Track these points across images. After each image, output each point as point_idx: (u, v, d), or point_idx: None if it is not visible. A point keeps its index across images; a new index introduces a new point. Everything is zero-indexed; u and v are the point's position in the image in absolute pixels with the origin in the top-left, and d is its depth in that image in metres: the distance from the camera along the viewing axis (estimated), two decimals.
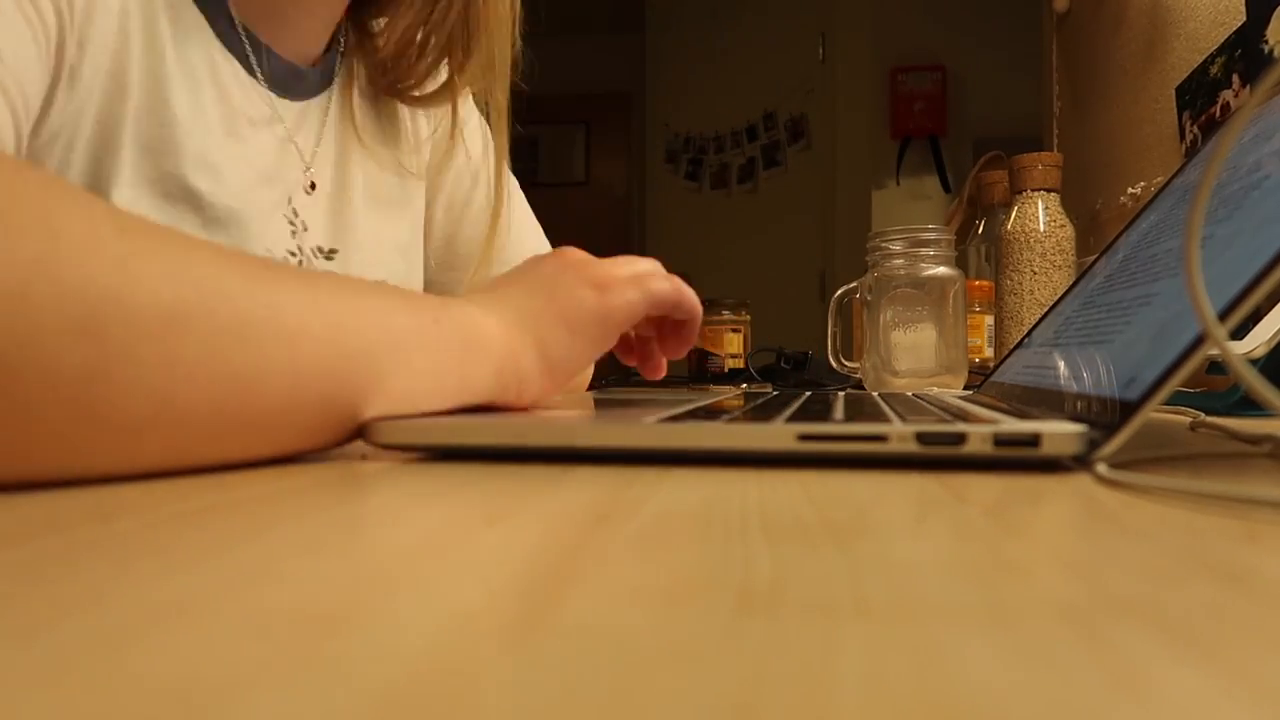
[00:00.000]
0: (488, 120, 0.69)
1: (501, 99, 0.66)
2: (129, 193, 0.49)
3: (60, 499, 0.23)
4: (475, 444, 0.31)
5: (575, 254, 0.44)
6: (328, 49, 0.63)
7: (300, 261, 0.59)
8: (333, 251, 0.62)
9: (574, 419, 0.32)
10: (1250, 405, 0.58)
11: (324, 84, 0.63)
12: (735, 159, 3.89)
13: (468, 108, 0.73)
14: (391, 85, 0.66)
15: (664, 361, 0.54)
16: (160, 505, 0.22)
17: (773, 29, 3.73)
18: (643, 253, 0.48)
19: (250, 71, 0.56)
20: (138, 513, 0.21)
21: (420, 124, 0.72)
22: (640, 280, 0.43)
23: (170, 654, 0.11)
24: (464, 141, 0.73)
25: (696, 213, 3.94)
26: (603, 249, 0.45)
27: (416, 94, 0.67)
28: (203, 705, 0.09)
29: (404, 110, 0.70)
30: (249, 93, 0.56)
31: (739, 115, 3.86)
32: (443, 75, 0.67)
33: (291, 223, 0.59)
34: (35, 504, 0.22)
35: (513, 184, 0.76)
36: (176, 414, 0.26)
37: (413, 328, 0.33)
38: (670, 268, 0.47)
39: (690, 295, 0.47)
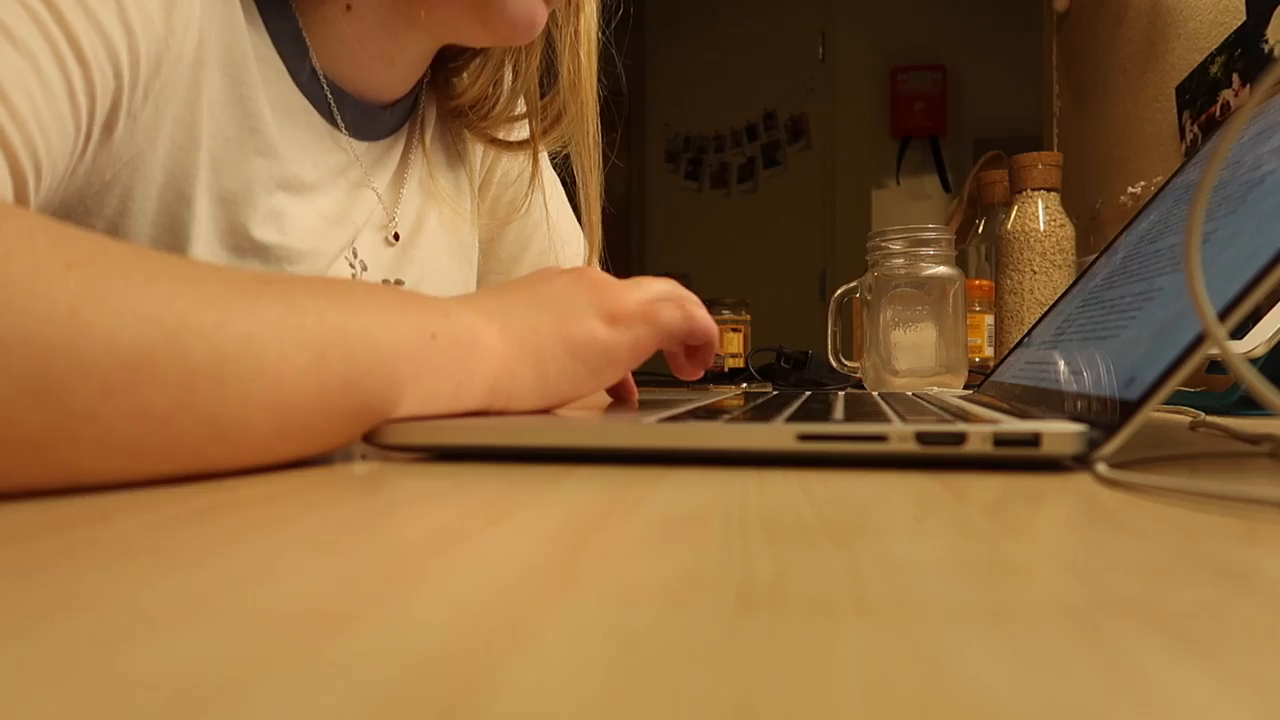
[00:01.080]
0: (573, 171, 0.68)
1: (585, 156, 0.65)
2: (205, 248, 0.49)
3: (60, 499, 0.23)
4: (476, 444, 0.31)
5: (591, 275, 0.42)
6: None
7: None
8: (399, 283, 0.62)
9: (574, 419, 0.32)
10: (1250, 405, 0.58)
11: (400, 122, 0.63)
12: (735, 159, 3.89)
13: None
14: (471, 124, 0.66)
15: (635, 394, 0.53)
16: (160, 505, 0.22)
17: (773, 29, 3.73)
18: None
19: (330, 119, 0.56)
20: (138, 513, 0.21)
21: (476, 162, 0.72)
22: (652, 313, 0.41)
23: (170, 654, 0.11)
24: (542, 190, 0.73)
25: (696, 213, 3.93)
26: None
27: (498, 137, 0.67)
28: (203, 705, 0.09)
29: (468, 148, 0.70)
30: (326, 142, 0.56)
31: (739, 115, 3.86)
32: (524, 125, 0.67)
33: (351, 264, 0.59)
34: (35, 504, 0.22)
35: (573, 226, 0.76)
36: (153, 463, 0.24)
37: (408, 346, 0.31)
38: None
39: (703, 321, 0.45)
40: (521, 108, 0.68)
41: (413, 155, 0.64)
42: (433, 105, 0.66)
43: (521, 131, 0.68)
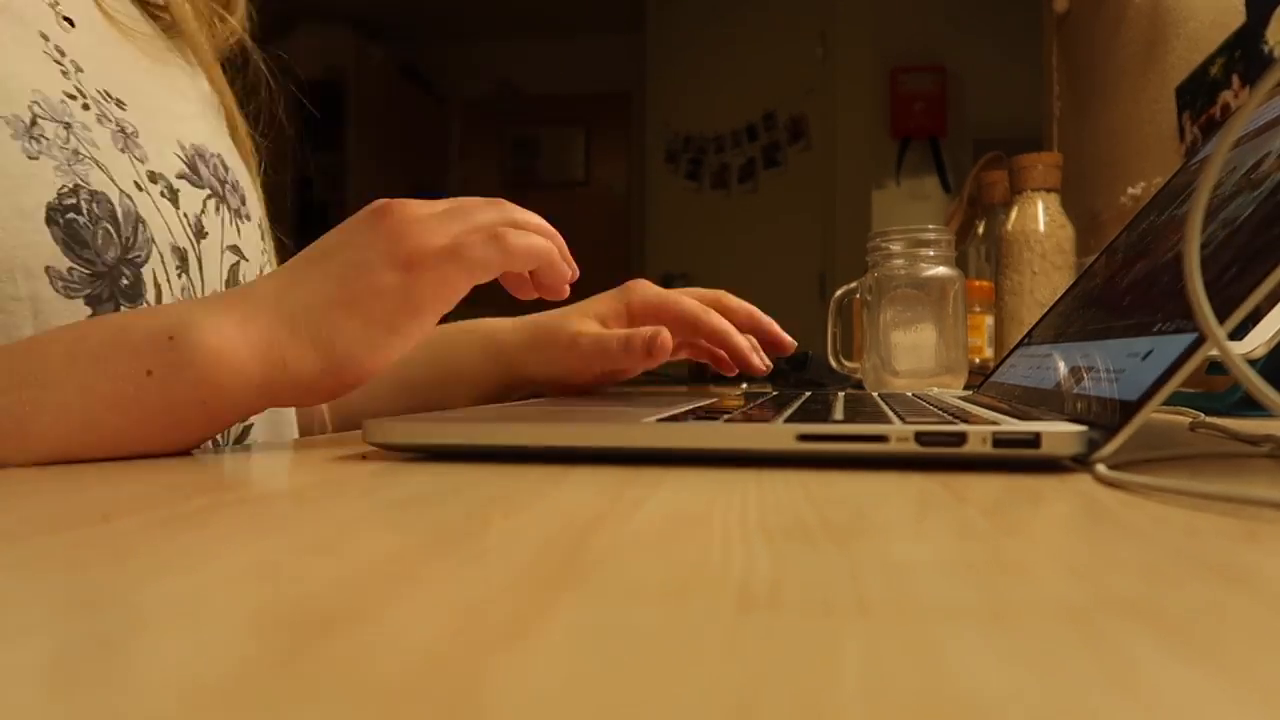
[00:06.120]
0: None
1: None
2: None
3: (60, 499, 0.23)
4: (476, 444, 0.31)
5: (391, 216, 0.37)
6: None
7: (86, 104, 0.45)
8: (121, 102, 0.48)
9: (574, 419, 0.32)
10: (1250, 405, 0.58)
11: None
12: (735, 159, 3.89)
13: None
14: None
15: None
16: (160, 505, 0.22)
17: (773, 29, 3.73)
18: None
19: None
20: (138, 513, 0.21)
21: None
22: (458, 249, 0.37)
23: (170, 654, 0.11)
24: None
25: (696, 213, 3.93)
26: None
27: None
28: (202, 705, 0.09)
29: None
30: None
31: (739, 115, 3.86)
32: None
33: (59, 62, 0.45)
34: (35, 504, 0.22)
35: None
36: None
37: (111, 399, 0.32)
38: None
39: (522, 250, 0.39)
40: None
41: None
42: None
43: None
